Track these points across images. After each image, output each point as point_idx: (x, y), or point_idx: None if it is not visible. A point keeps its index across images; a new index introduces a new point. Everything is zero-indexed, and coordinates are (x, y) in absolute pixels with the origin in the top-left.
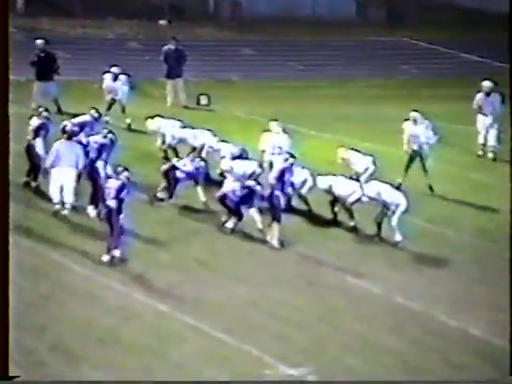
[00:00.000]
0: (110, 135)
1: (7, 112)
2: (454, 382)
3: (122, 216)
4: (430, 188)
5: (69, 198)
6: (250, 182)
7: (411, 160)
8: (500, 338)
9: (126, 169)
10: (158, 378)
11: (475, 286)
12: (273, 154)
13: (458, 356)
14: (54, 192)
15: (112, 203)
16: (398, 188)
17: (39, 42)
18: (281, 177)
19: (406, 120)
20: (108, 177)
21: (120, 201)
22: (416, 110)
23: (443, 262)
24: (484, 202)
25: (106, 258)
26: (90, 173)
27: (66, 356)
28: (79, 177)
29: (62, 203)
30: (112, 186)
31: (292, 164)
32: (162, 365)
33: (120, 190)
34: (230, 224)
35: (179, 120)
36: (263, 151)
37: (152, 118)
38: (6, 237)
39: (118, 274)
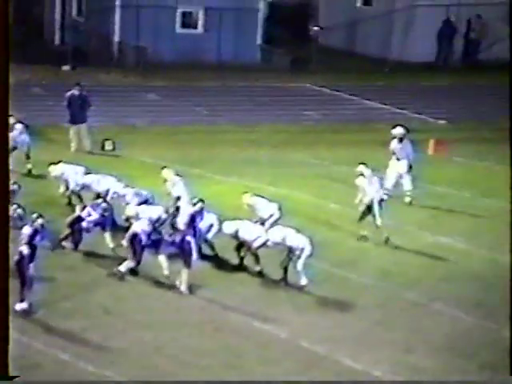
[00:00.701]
0: (12, 183)
1: (7, 112)
2: (453, 382)
3: (31, 265)
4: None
5: None
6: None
7: (364, 213)
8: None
9: (40, 215)
10: None
11: (378, 328)
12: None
13: None
14: None
15: (24, 249)
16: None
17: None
18: (191, 222)
19: (359, 174)
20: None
21: (33, 247)
22: (364, 163)
23: (347, 305)
24: (384, 246)
25: (20, 306)
26: None
27: None
28: None
29: None
30: (25, 232)
31: (202, 208)
32: None
33: (33, 236)
34: (123, 267)
35: (83, 166)
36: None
37: (55, 163)
38: (5, 236)
39: (18, 323)
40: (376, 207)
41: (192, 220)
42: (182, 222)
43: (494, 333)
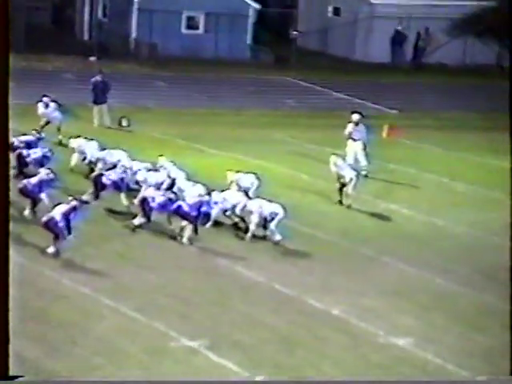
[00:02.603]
0: (47, 151)
1: (7, 110)
2: (453, 382)
3: (71, 236)
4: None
5: None
6: (172, 195)
7: (340, 189)
8: (358, 320)
9: (75, 198)
10: (80, 347)
11: (337, 276)
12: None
13: (323, 331)
14: None
15: (56, 215)
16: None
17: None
18: (199, 208)
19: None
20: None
21: (68, 221)
22: (334, 153)
23: (313, 256)
24: (345, 210)
25: (50, 250)
26: (23, 188)
27: None
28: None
29: None
30: (60, 208)
31: (208, 201)
32: (85, 338)
33: (67, 214)
34: (136, 221)
35: (96, 141)
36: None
37: (75, 137)
38: (5, 236)
39: (50, 263)
40: (351, 184)
41: (199, 206)
42: (188, 204)
43: (429, 281)
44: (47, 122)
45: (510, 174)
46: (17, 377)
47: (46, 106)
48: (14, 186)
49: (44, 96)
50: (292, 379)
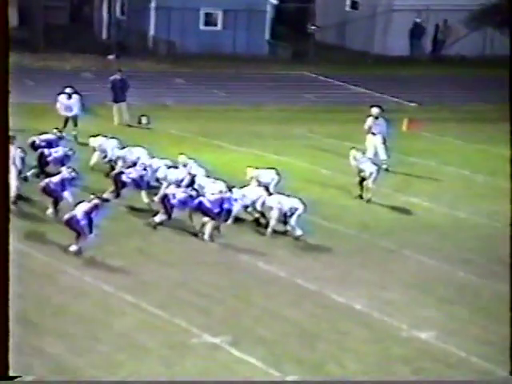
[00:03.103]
0: (68, 150)
1: (7, 107)
2: (453, 382)
3: (92, 234)
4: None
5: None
6: (193, 192)
7: (360, 183)
8: (380, 313)
9: (97, 196)
10: (102, 343)
11: (358, 270)
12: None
13: (344, 325)
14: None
15: (78, 213)
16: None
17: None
18: (220, 205)
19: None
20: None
21: (90, 219)
22: (354, 147)
23: (333, 251)
24: (366, 204)
25: (72, 248)
26: (46, 187)
27: (27, 326)
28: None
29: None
30: (82, 207)
31: (230, 198)
32: (107, 334)
33: (89, 212)
34: (157, 218)
35: (116, 139)
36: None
37: (95, 136)
38: (5, 236)
39: (72, 260)
40: (371, 178)
41: (221, 203)
42: (209, 200)
43: (450, 273)
44: (67, 119)
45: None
46: (17, 377)
47: (69, 96)
48: (36, 185)
49: (67, 87)
50: (311, 374)
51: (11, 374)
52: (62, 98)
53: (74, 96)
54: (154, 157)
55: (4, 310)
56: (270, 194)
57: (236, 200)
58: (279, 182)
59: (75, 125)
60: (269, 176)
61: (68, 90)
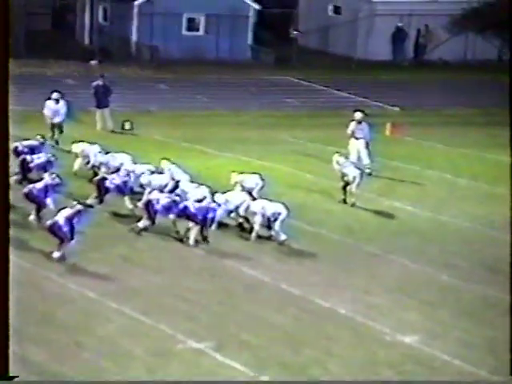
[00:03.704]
0: (51, 156)
1: (7, 112)
2: (453, 382)
3: (73, 241)
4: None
5: None
6: (176, 197)
7: (344, 187)
8: (364, 317)
9: (79, 202)
10: (86, 350)
11: (342, 274)
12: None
13: (329, 329)
14: None
15: (60, 219)
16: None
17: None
18: (205, 213)
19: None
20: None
21: (71, 226)
22: (337, 152)
23: (318, 255)
24: (349, 208)
25: (55, 254)
26: (29, 193)
27: (12, 334)
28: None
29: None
30: (64, 213)
31: (214, 208)
32: (91, 340)
33: (71, 218)
34: (141, 224)
35: (98, 144)
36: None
37: (77, 142)
38: (5, 236)
39: (56, 267)
40: (355, 182)
41: (206, 213)
42: (194, 206)
43: (433, 277)
44: (53, 125)
45: (510, 169)
46: (17, 377)
47: (57, 101)
48: (19, 191)
49: (54, 91)
50: (296, 379)
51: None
52: (50, 103)
53: (61, 101)
54: (136, 162)
55: (4, 310)
56: (254, 199)
57: (219, 205)
58: (263, 187)
59: (61, 131)
60: (253, 181)
61: (55, 96)
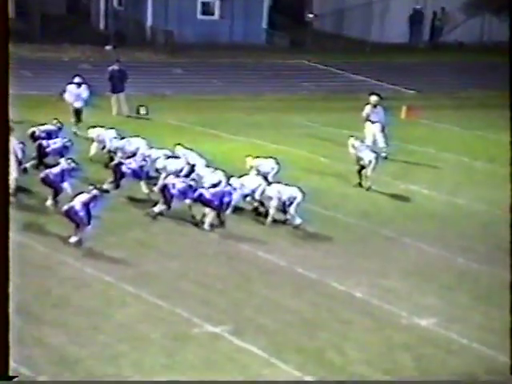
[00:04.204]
0: (67, 141)
1: (7, 107)
2: (453, 382)
3: (90, 227)
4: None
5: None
6: (192, 182)
7: (359, 171)
8: (381, 301)
9: (95, 187)
10: (104, 334)
11: (358, 258)
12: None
13: (345, 313)
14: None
15: (76, 204)
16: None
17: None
18: (221, 198)
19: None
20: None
21: (88, 211)
22: (352, 136)
23: (334, 239)
24: (365, 192)
25: (72, 239)
26: (45, 177)
27: (28, 317)
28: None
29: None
30: (81, 197)
31: (230, 191)
32: (108, 325)
33: (87, 203)
34: (157, 209)
35: (114, 129)
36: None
37: (93, 127)
38: (5, 236)
39: (72, 252)
40: (370, 166)
41: (222, 196)
42: (210, 192)
43: (450, 261)
44: (76, 111)
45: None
46: (17, 377)
47: (79, 86)
48: (35, 176)
49: (76, 76)
50: (312, 363)
51: (12, 367)
52: (72, 87)
53: (83, 86)
54: (152, 147)
55: (4, 310)
56: (269, 184)
57: (235, 189)
58: (278, 172)
59: (79, 118)
60: (268, 165)
61: (77, 80)
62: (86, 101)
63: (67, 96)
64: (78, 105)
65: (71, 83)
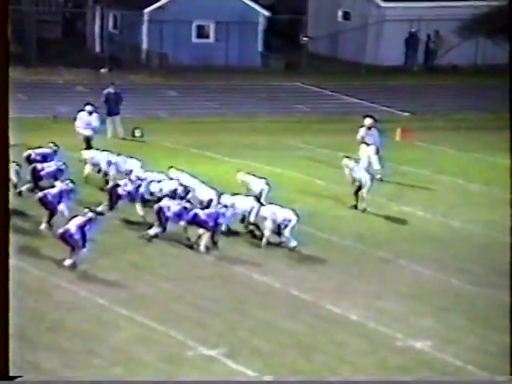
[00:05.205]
0: (61, 164)
1: (7, 113)
2: (453, 382)
3: (85, 249)
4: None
5: None
6: (187, 204)
7: (356, 192)
8: (376, 323)
9: (91, 210)
10: (98, 358)
11: (354, 280)
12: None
13: (341, 336)
14: None
15: (72, 227)
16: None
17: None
18: (215, 219)
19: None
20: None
21: (83, 234)
22: (348, 157)
23: (329, 262)
24: (360, 214)
25: (67, 262)
26: (43, 198)
27: (23, 341)
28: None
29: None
30: (76, 221)
31: (224, 212)
32: (102, 348)
33: (83, 226)
34: (152, 231)
35: (107, 151)
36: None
37: (86, 149)
38: (5, 237)
39: (67, 275)
40: (366, 187)
41: (216, 217)
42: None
43: (446, 283)
44: (87, 139)
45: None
46: (17, 377)
47: (90, 114)
48: (30, 199)
49: (88, 104)
50: (298, 379)
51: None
52: (83, 114)
53: (94, 114)
54: (147, 170)
55: (4, 311)
56: (262, 205)
57: (227, 207)
58: (269, 193)
59: (89, 143)
60: (258, 185)
61: (88, 108)
62: (95, 129)
63: (77, 122)
64: (87, 133)
65: (82, 110)
